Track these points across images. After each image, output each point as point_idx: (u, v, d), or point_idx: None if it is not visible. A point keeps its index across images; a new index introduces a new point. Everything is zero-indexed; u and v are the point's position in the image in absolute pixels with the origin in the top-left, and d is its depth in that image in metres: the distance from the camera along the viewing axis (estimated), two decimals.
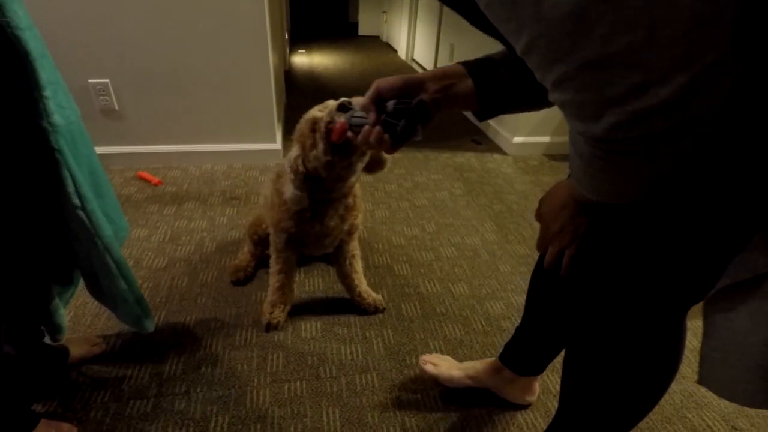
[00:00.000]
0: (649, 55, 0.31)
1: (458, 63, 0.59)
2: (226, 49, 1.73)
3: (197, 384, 0.98)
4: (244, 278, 1.27)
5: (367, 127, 0.60)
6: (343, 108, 0.78)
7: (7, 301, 0.76)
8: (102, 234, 0.76)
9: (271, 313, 1.10)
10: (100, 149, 1.83)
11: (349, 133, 0.67)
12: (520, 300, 1.27)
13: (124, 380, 0.98)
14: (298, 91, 3.03)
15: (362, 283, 1.18)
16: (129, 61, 1.69)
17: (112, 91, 1.73)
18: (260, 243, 1.26)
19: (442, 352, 1.09)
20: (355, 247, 1.17)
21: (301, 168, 0.89)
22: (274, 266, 1.10)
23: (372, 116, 0.59)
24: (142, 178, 1.79)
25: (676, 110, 0.33)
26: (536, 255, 1.44)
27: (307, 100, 2.87)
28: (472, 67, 0.58)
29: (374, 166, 0.95)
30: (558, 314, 0.78)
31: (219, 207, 1.65)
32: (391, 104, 0.58)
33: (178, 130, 1.88)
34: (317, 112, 0.86)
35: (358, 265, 1.18)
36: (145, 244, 1.42)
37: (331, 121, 0.80)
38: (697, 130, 0.35)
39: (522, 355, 0.90)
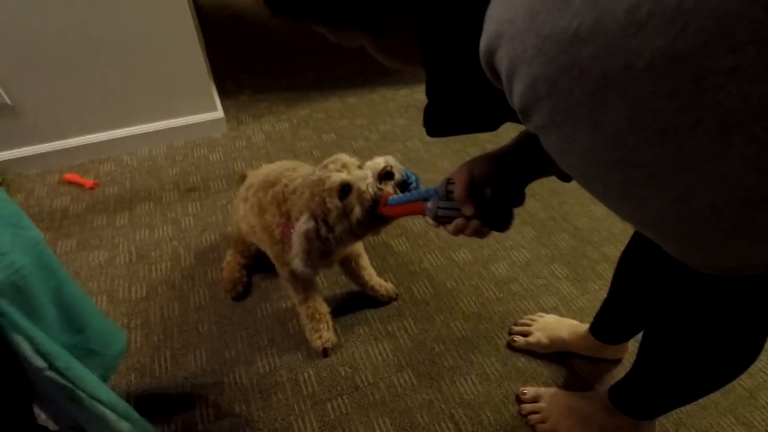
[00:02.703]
0: None
1: None
2: (134, 5, 1.39)
3: (238, 428, 0.94)
4: (243, 291, 1.17)
5: (460, 221, 0.54)
6: (388, 176, 0.68)
7: None
8: (83, 386, 0.61)
9: (320, 338, 1.03)
10: (2, 155, 1.51)
11: (430, 221, 0.59)
12: (520, 256, 1.30)
13: None
14: (214, 29, 2.60)
15: (372, 277, 1.14)
16: (12, 43, 1.32)
17: None
18: (251, 257, 1.16)
19: (464, 331, 1.11)
20: (358, 246, 1.11)
21: (316, 244, 0.76)
22: (295, 296, 1.02)
23: (469, 211, 0.53)
24: (71, 182, 1.52)
25: None
26: (527, 205, 1.47)
27: (228, 38, 2.47)
28: None
29: None
30: (649, 289, 0.82)
31: (178, 204, 1.46)
32: (489, 193, 0.52)
33: (96, 115, 1.57)
34: (337, 174, 0.72)
35: (365, 261, 1.13)
36: (111, 271, 1.24)
37: (377, 193, 0.69)
38: None
39: (612, 328, 0.97)
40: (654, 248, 0.73)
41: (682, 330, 0.68)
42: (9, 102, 1.42)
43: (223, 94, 1.99)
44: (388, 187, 0.69)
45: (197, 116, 1.72)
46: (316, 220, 0.76)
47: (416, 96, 2.02)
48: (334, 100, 2.01)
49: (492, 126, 0.50)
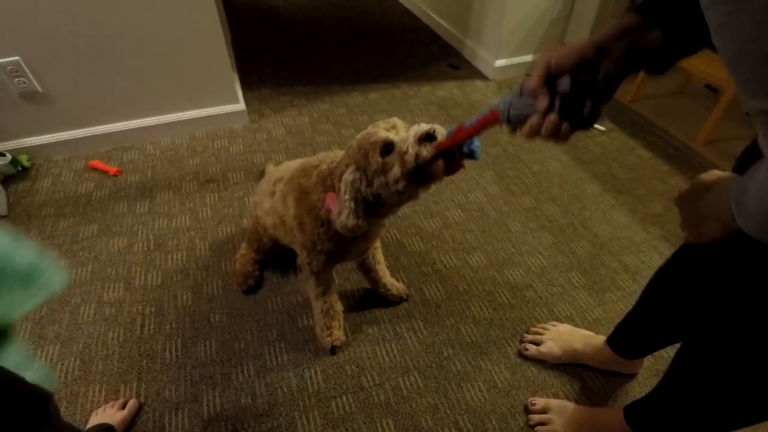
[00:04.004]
0: None
1: (628, 9, 0.46)
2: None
3: (242, 420, 0.95)
4: (255, 284, 1.18)
5: (535, 117, 0.48)
6: (429, 138, 0.68)
7: None
8: None
9: (330, 336, 1.03)
10: (32, 140, 1.57)
11: (504, 126, 0.53)
12: (537, 262, 1.27)
13: None
14: (241, 22, 2.62)
15: (386, 275, 1.13)
16: (42, 31, 1.35)
17: (27, 71, 1.41)
18: (265, 253, 1.16)
19: (474, 336, 1.10)
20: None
21: (361, 194, 0.77)
22: (314, 290, 1.01)
23: (543, 102, 0.47)
24: (96, 169, 1.56)
25: None
26: (543, 207, 1.43)
27: (253, 31, 2.49)
28: (650, 10, 0.45)
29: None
30: (687, 308, 0.75)
31: (197, 195, 1.48)
32: (565, 82, 0.46)
33: (122, 104, 1.60)
34: (385, 132, 0.74)
35: (380, 256, 1.12)
36: (129, 258, 1.27)
37: (418, 154, 0.69)
38: None
39: (634, 342, 0.92)
40: (702, 265, 0.68)
41: (724, 355, 0.62)
42: (40, 89, 1.46)
43: (246, 86, 2.01)
44: (429, 148, 0.69)
45: (219, 108, 1.73)
46: (359, 171, 0.77)
47: (438, 93, 1.99)
48: (355, 95, 2.00)
49: None
